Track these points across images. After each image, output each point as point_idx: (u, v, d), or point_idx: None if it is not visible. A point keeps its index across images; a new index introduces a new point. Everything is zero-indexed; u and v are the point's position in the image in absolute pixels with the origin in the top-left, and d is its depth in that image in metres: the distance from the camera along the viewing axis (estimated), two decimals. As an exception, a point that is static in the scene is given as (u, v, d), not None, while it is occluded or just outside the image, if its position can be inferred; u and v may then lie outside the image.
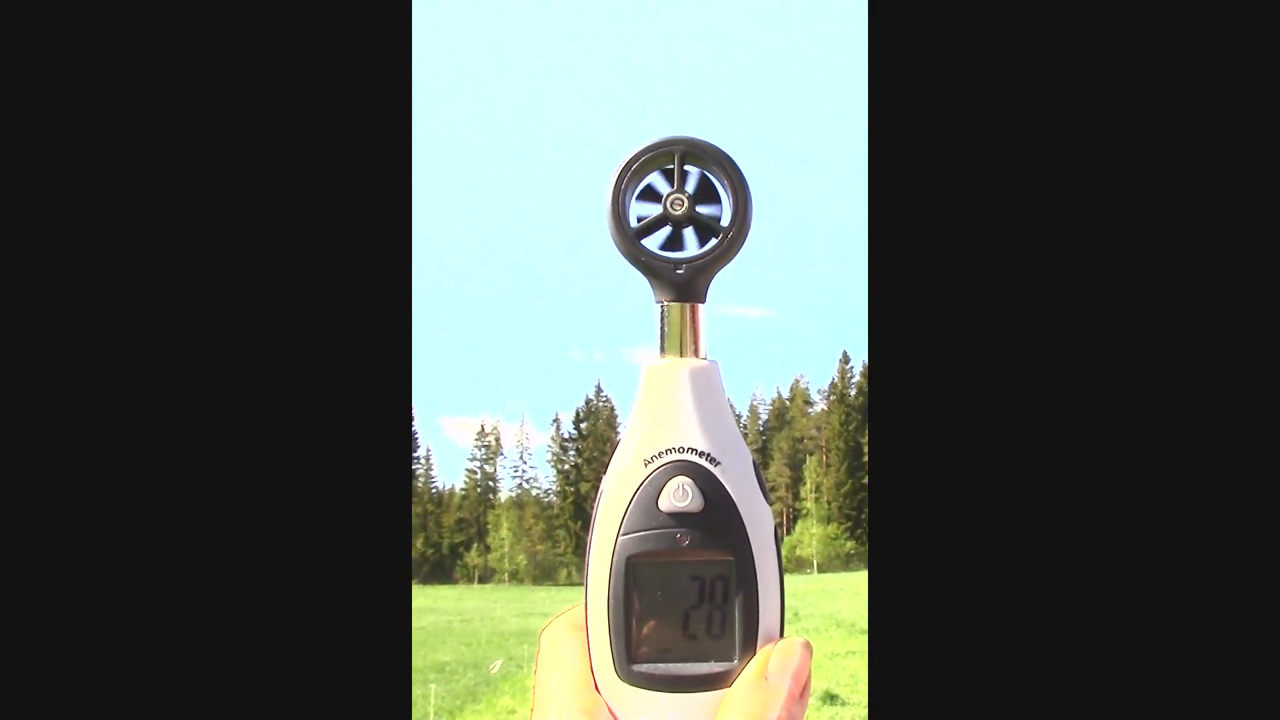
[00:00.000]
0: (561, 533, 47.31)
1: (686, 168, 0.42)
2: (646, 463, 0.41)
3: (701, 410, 0.41)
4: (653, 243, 0.42)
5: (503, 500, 50.77)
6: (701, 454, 0.41)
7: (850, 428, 47.29)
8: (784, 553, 0.43)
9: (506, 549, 46.98)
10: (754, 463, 0.42)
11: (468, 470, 52.56)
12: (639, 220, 0.42)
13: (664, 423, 0.41)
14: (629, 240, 0.42)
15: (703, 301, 0.42)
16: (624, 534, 0.41)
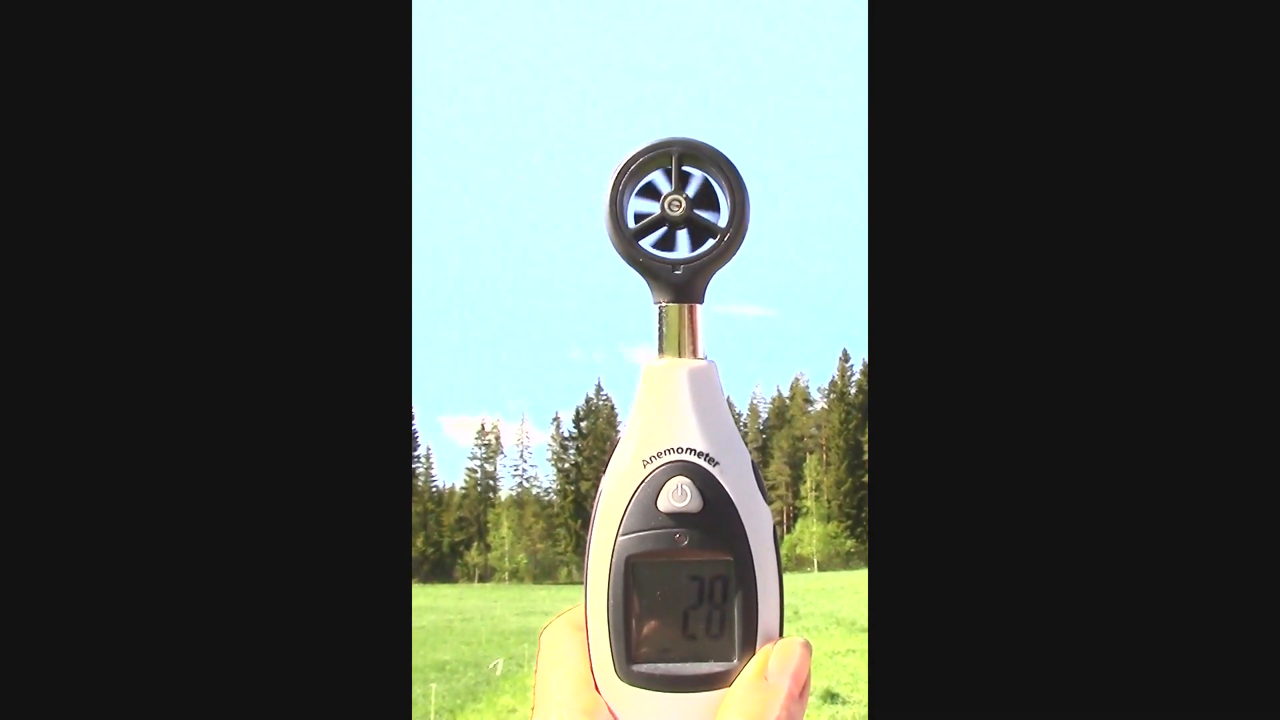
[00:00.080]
0: (562, 531, 47.32)
1: (684, 169, 0.42)
2: (645, 463, 0.41)
3: (700, 411, 0.42)
4: (651, 244, 0.42)
5: (503, 499, 50.78)
6: (700, 454, 0.41)
7: (850, 426, 47.28)
8: (784, 551, 0.43)
9: (507, 548, 46.99)
10: (753, 463, 0.42)
11: (468, 469, 52.59)
12: (637, 221, 0.42)
13: (663, 423, 0.41)
14: (627, 241, 0.42)
15: (701, 302, 0.42)
16: (623, 534, 0.41)
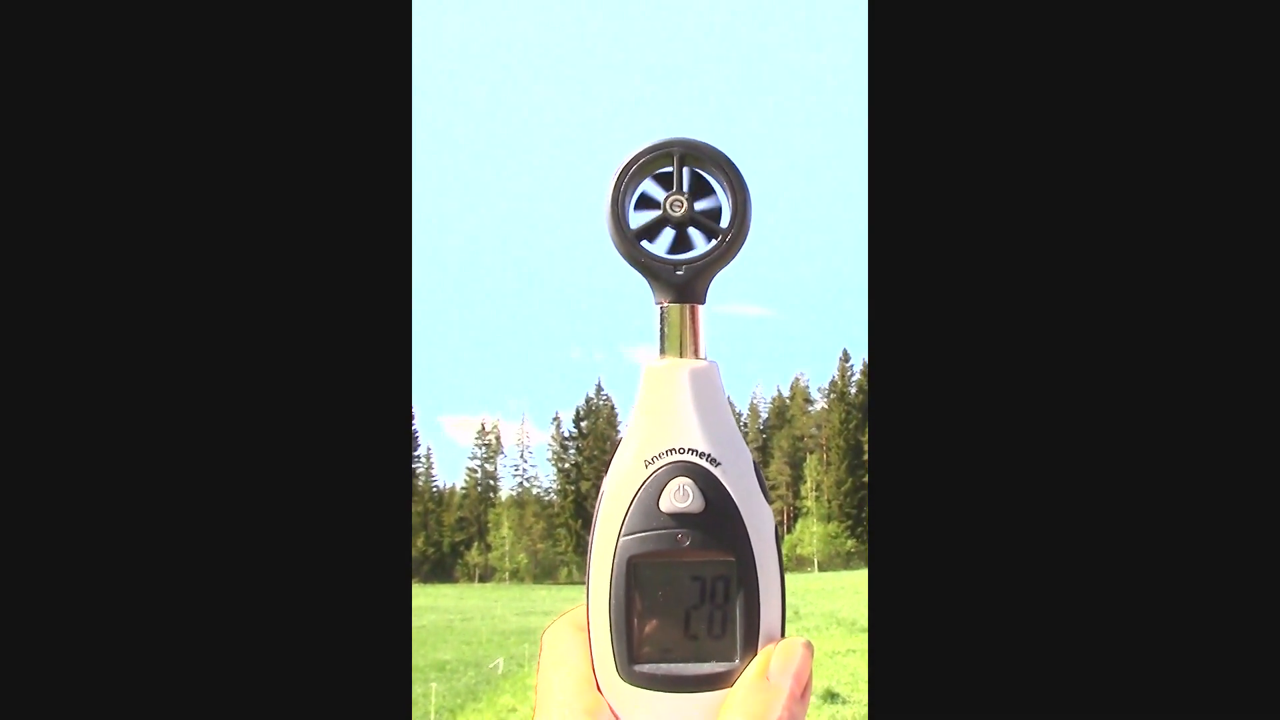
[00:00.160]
0: (562, 531, 47.32)
1: (685, 169, 0.42)
2: (647, 464, 0.41)
3: (702, 411, 0.42)
4: (652, 244, 0.42)
5: (503, 499, 50.80)
6: (702, 455, 0.41)
7: (850, 426, 47.29)
8: (784, 551, 0.43)
9: (507, 548, 47.01)
10: (754, 463, 0.42)
11: (468, 469, 52.61)
12: (638, 222, 0.42)
13: (664, 424, 0.41)
14: (628, 242, 0.42)
15: (702, 302, 0.42)
16: (625, 535, 0.41)
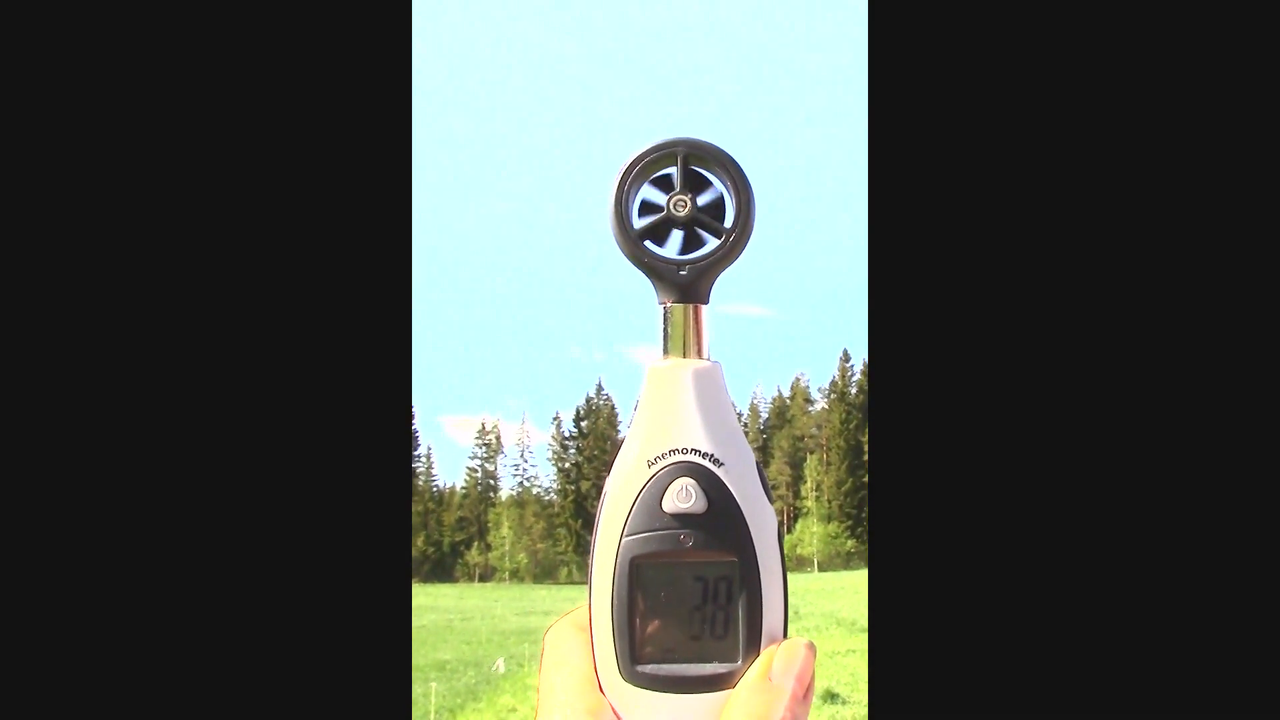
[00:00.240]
0: (562, 531, 47.33)
1: (689, 169, 0.42)
2: (650, 464, 0.41)
3: (705, 411, 0.41)
4: (655, 244, 0.42)
5: (503, 499, 50.81)
6: (705, 455, 0.41)
7: (851, 426, 47.30)
8: (784, 551, 0.43)
9: (507, 547, 47.01)
10: (757, 463, 0.42)
11: (468, 469, 52.62)
12: (642, 222, 0.42)
13: (667, 424, 0.41)
14: (632, 241, 0.42)
15: (705, 303, 0.42)
16: (627, 535, 0.41)
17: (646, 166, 0.42)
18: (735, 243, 0.42)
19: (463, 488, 52.12)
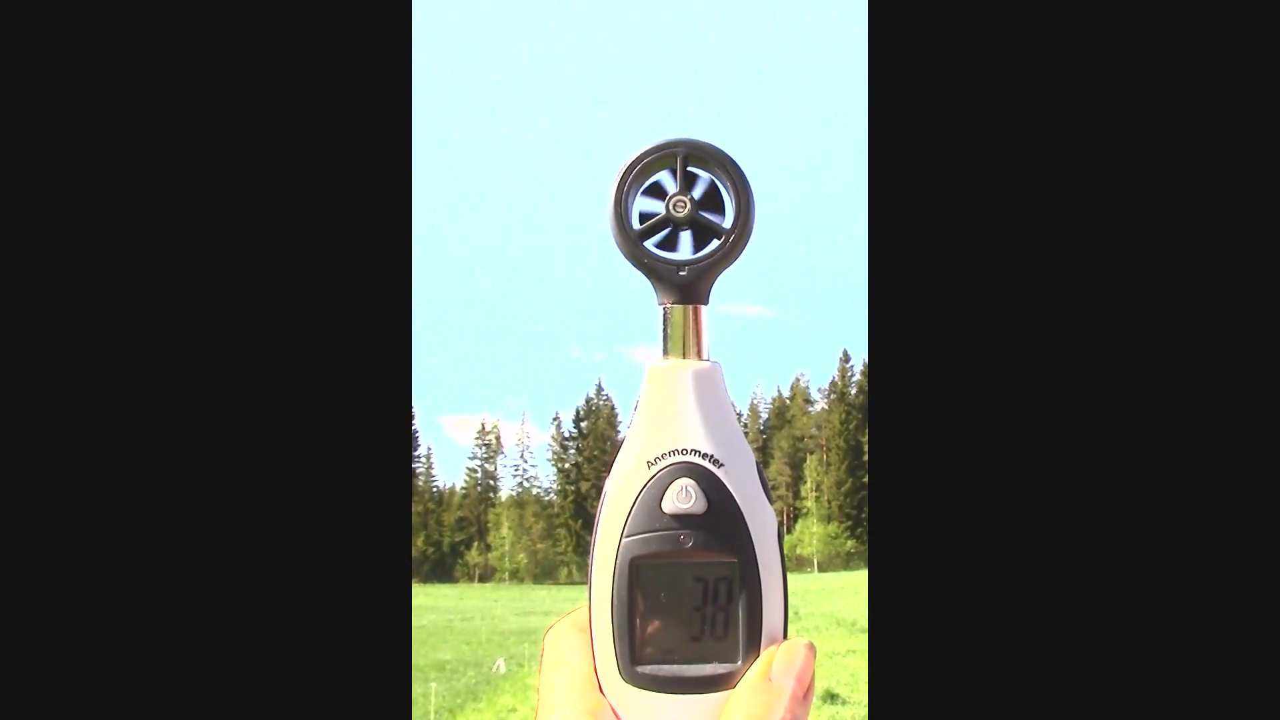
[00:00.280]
0: (562, 531, 47.34)
1: (689, 169, 0.42)
2: (650, 464, 0.41)
3: (704, 412, 0.41)
4: (655, 245, 0.42)
5: (503, 499, 50.82)
6: (705, 456, 0.41)
7: (850, 426, 47.31)
8: (784, 551, 0.43)
9: (507, 548, 47.01)
10: (757, 464, 0.42)
11: (468, 469, 52.63)
12: (642, 222, 0.42)
13: (667, 425, 0.41)
14: (631, 242, 0.42)
15: (705, 303, 0.42)
16: (627, 536, 0.41)
17: (646, 167, 0.42)
18: (735, 243, 0.42)
19: (462, 488, 52.13)
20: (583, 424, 50.60)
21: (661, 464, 0.41)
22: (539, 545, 47.54)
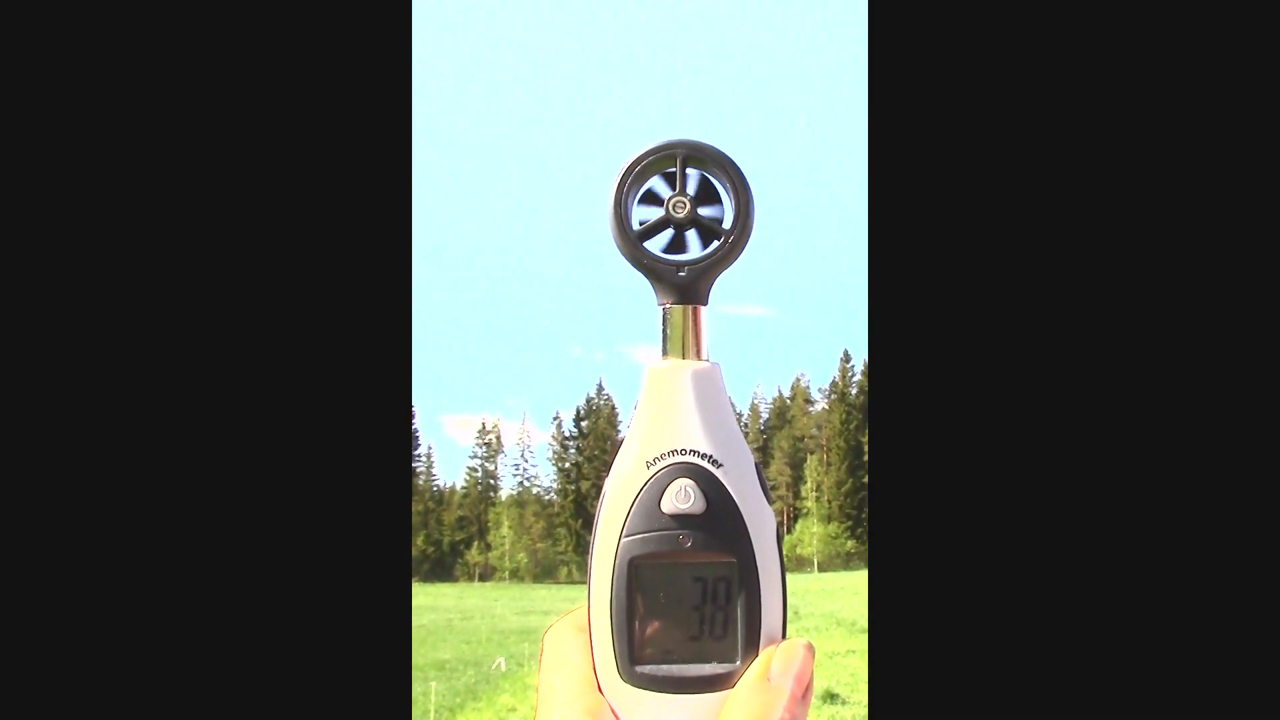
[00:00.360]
0: (562, 531, 47.34)
1: (688, 170, 0.42)
2: (649, 465, 0.41)
3: (704, 412, 0.42)
4: (655, 245, 0.42)
5: (503, 498, 50.84)
6: (704, 456, 0.41)
7: (851, 427, 47.31)
8: (784, 552, 0.43)
9: (507, 547, 47.01)
10: (756, 464, 0.42)
11: (468, 468, 52.65)
12: (641, 223, 0.42)
13: (666, 425, 0.42)
14: (631, 243, 0.42)
15: (705, 304, 0.42)
16: (626, 536, 0.41)
17: (646, 168, 0.42)
18: (734, 244, 0.42)
19: (463, 487, 52.15)
20: (583, 423, 50.61)
21: (660, 464, 0.41)
22: (539, 544, 47.55)
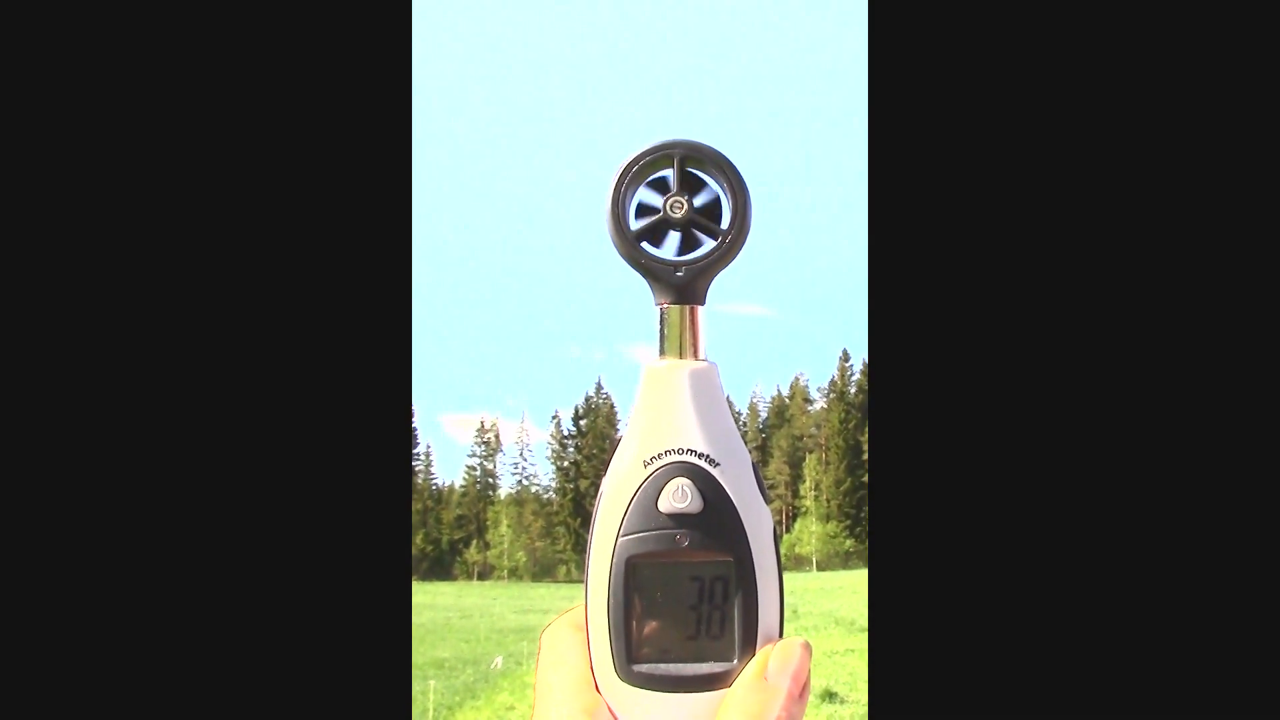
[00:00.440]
0: (561, 529, 47.35)
1: (686, 170, 0.42)
2: (646, 464, 0.41)
3: (701, 412, 0.42)
4: (652, 245, 0.42)
5: (502, 497, 50.84)
6: (701, 455, 0.41)
7: (850, 426, 47.32)
8: (783, 550, 0.43)
9: (506, 546, 47.02)
10: (753, 464, 0.42)
11: (467, 467, 52.65)
12: (639, 223, 0.42)
13: (664, 424, 0.42)
14: (628, 243, 0.42)
15: (702, 304, 0.43)
16: (624, 535, 0.41)
17: (644, 168, 0.42)
18: (731, 244, 0.42)
19: (462, 486, 52.15)
20: (582, 422, 50.61)
21: (658, 463, 0.41)
22: (538, 543, 47.56)
